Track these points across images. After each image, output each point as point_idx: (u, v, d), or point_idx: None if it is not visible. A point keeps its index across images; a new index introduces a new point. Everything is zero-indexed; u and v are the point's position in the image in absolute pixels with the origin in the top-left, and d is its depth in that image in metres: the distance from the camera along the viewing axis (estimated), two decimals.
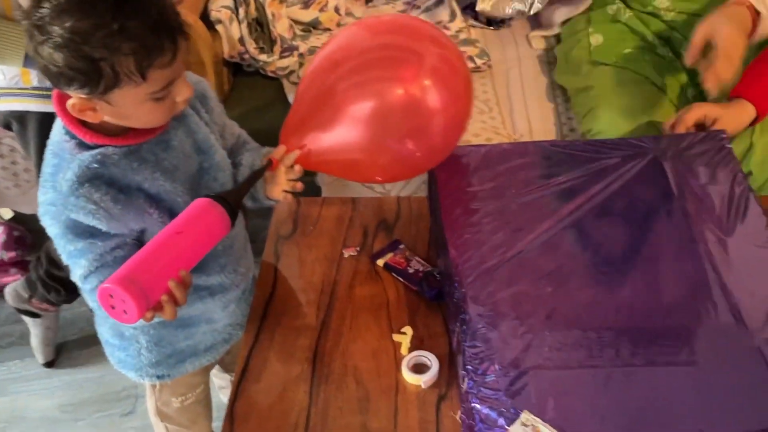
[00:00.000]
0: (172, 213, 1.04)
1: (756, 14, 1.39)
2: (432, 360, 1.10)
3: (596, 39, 1.84)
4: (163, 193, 1.05)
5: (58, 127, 1.03)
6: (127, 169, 1.02)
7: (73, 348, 2.10)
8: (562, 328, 1.00)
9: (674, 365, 0.96)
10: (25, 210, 2.15)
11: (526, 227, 1.13)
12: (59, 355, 2.09)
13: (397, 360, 1.11)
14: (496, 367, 0.96)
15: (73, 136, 1.00)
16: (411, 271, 1.23)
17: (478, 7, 2.15)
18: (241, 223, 1.24)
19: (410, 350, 1.12)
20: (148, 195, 1.04)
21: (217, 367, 1.48)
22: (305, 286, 1.25)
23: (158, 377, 1.26)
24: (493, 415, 0.92)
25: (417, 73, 1.09)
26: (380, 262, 1.26)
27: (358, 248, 1.30)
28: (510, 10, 2.13)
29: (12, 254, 2.20)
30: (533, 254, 1.09)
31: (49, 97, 1.29)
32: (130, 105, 0.95)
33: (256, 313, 1.21)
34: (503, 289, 1.05)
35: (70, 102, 0.95)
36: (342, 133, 1.11)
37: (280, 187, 1.15)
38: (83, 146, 1.00)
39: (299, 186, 1.16)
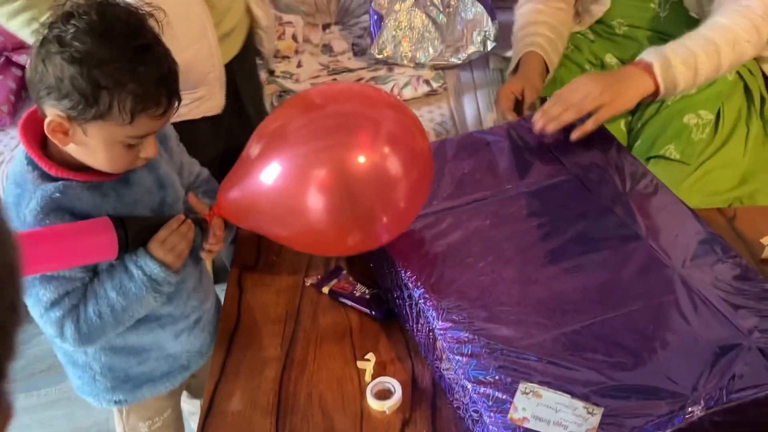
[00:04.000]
0: None
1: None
2: (395, 386, 1.12)
3: None
4: None
5: (21, 156, 1.05)
6: (90, 203, 1.04)
7: (41, 386, 2.09)
8: (523, 299, 1.07)
9: (621, 310, 1.05)
10: None
11: (456, 221, 1.21)
12: (27, 393, 2.07)
13: (362, 387, 1.13)
14: (483, 349, 1.00)
15: (35, 167, 1.03)
16: (357, 294, 1.25)
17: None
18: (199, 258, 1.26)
19: (374, 376, 1.14)
20: None
21: (186, 393, 1.49)
22: (269, 316, 1.27)
23: (116, 402, 1.26)
24: (498, 393, 0.94)
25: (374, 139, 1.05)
26: (325, 290, 1.28)
27: (319, 276, 1.32)
28: (455, 60, 2.18)
29: None
30: (472, 242, 1.17)
31: None
32: (103, 141, 0.99)
33: (221, 346, 1.22)
34: (459, 277, 1.11)
35: (48, 119, 0.97)
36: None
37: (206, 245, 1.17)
38: (46, 177, 1.02)
39: (217, 248, 1.17)
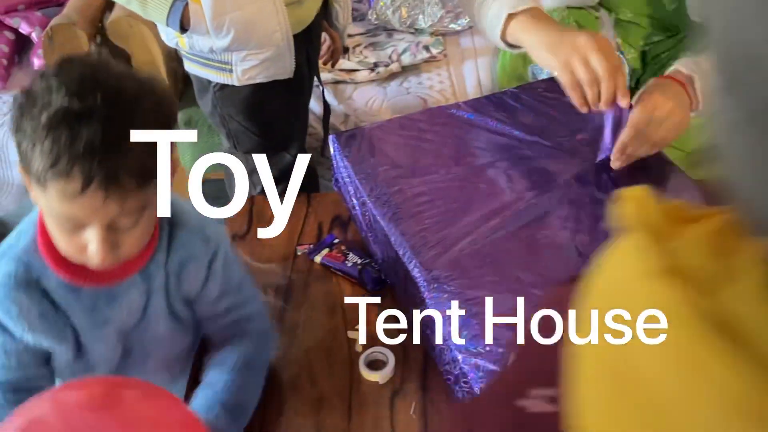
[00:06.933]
0: (79, 346, 0.99)
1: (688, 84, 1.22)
2: (388, 355, 1.10)
3: None
4: (88, 333, 0.98)
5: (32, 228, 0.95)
6: (62, 300, 0.95)
7: None
8: (518, 269, 1.05)
9: None
10: None
11: (446, 193, 1.18)
12: None
13: (352, 357, 1.11)
14: (473, 320, 0.97)
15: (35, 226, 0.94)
16: (349, 264, 1.23)
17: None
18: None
19: (364, 347, 1.12)
20: (73, 328, 0.97)
21: None
22: (260, 287, 1.24)
23: None
24: (489, 365, 0.93)
25: None
26: (317, 259, 1.26)
27: (311, 245, 1.30)
28: (455, 26, 2.13)
29: None
30: (465, 213, 1.14)
31: (204, 64, 1.46)
32: (45, 209, 0.88)
33: None
34: (452, 247, 1.08)
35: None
36: None
37: None
38: (34, 245, 0.93)
39: None
